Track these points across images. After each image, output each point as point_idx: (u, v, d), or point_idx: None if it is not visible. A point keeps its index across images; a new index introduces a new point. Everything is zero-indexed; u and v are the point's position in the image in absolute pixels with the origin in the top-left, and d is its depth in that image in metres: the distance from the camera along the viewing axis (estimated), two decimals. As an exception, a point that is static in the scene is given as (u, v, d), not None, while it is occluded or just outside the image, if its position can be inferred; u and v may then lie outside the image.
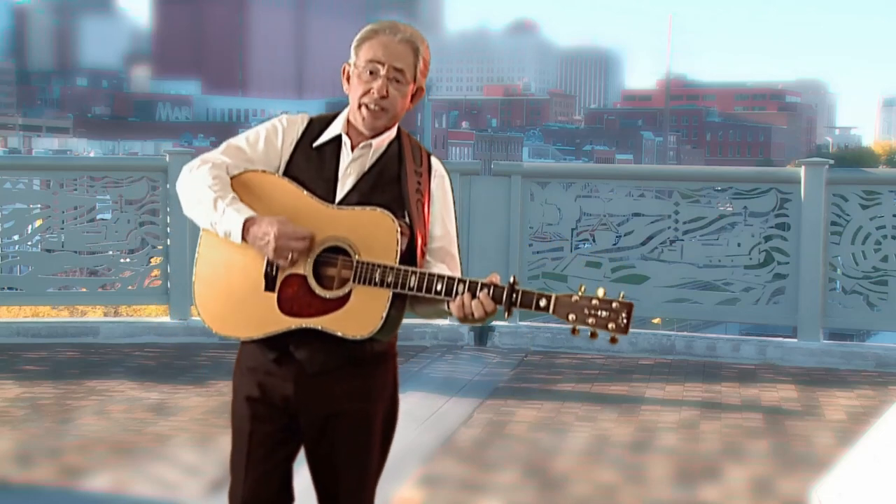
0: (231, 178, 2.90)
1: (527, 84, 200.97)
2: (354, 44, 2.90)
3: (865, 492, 5.00)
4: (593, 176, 9.28)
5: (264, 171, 2.91)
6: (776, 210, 8.32)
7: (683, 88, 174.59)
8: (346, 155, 2.92)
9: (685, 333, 9.05)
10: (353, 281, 2.79)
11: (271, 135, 2.96)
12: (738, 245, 8.43)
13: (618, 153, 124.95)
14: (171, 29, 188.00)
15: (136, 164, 10.17)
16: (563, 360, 8.08)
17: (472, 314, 2.77)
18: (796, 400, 6.96)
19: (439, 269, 2.91)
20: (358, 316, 2.79)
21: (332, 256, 2.82)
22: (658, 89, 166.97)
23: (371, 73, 2.86)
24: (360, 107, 2.88)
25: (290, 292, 2.82)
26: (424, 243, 2.92)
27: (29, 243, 9.08)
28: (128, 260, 8.83)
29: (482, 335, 8.47)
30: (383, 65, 2.85)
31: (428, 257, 2.95)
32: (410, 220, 2.87)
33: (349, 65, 2.91)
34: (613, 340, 2.75)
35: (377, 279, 2.78)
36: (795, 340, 8.19)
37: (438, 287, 2.78)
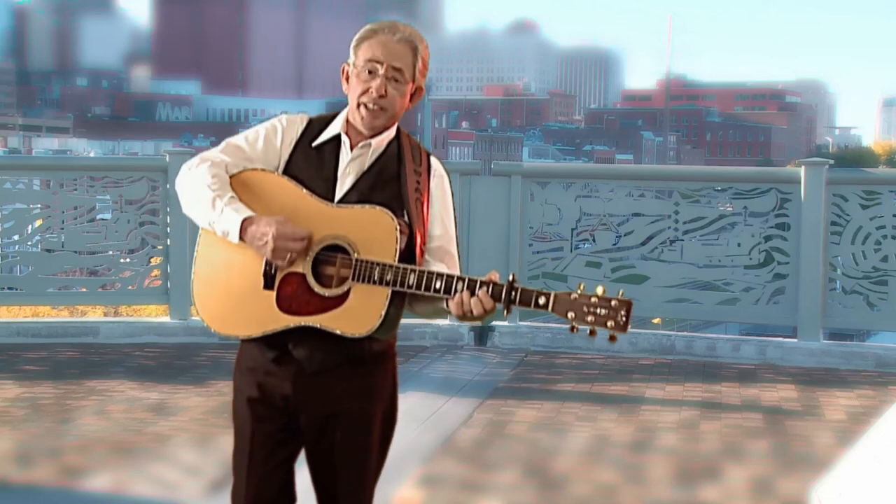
0: (230, 177, 2.90)
1: (527, 84, 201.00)
2: (353, 43, 2.90)
3: (865, 492, 5.00)
4: (593, 176, 9.28)
5: (263, 170, 2.91)
6: (776, 210, 8.32)
7: (683, 88, 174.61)
8: (345, 154, 2.92)
9: (685, 333, 9.05)
10: (352, 279, 2.79)
11: (270, 134, 2.96)
12: (738, 245, 8.43)
13: (618, 153, 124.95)
14: (171, 29, 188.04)
15: (136, 164, 10.16)
16: (563, 360, 8.08)
17: (471, 312, 2.77)
18: (796, 400, 6.96)
19: (438, 268, 2.91)
20: (357, 314, 2.79)
21: (330, 255, 2.82)
22: (658, 89, 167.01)
23: (370, 72, 2.86)
24: (358, 106, 2.89)
25: (289, 291, 2.82)
26: (423, 242, 2.92)
27: (29, 243, 9.08)
28: (128, 260, 8.83)
29: (482, 335, 8.47)
30: (382, 64, 2.85)
31: (427, 256, 2.95)
32: (409, 219, 2.87)
33: (348, 64, 2.92)
34: (612, 338, 2.75)
35: (376, 277, 2.78)
36: (795, 340, 8.19)
37: (437, 285, 2.78)
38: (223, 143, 2.98)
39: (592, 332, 2.75)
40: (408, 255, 2.85)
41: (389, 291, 2.79)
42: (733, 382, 7.40)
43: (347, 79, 2.92)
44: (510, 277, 2.79)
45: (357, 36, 2.91)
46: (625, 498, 5.06)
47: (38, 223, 8.92)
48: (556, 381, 7.39)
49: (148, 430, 5.99)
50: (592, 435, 6.02)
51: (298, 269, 2.82)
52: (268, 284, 2.84)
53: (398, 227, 2.81)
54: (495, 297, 2.77)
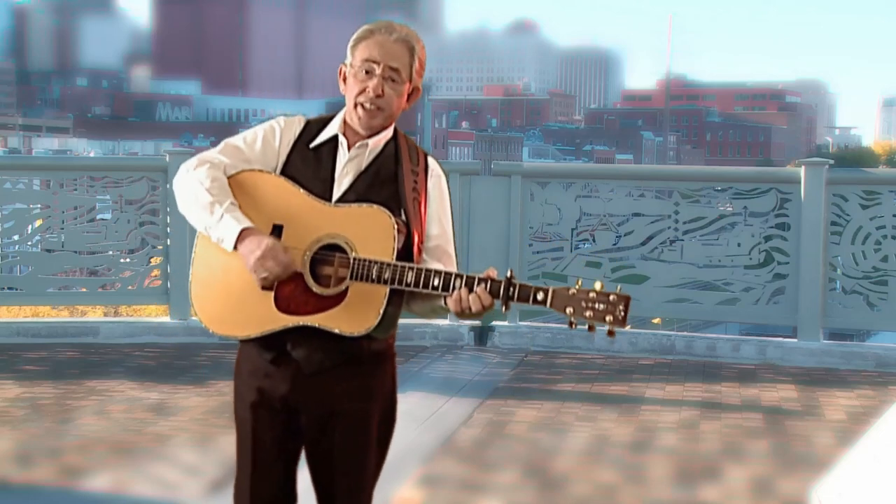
0: (228, 178, 2.90)
1: (527, 84, 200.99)
2: (351, 44, 2.90)
3: (865, 492, 5.00)
4: (593, 176, 9.28)
5: (261, 171, 2.91)
6: (776, 210, 8.32)
7: (683, 88, 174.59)
8: (342, 155, 2.92)
9: (685, 333, 9.05)
10: (350, 278, 2.79)
11: (269, 135, 2.96)
12: (738, 245, 8.43)
13: (618, 153, 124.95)
14: (171, 29, 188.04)
15: (136, 164, 10.17)
16: (563, 360, 8.08)
17: (470, 309, 2.77)
18: (796, 400, 6.96)
19: (436, 267, 2.91)
20: (355, 313, 2.79)
21: (328, 254, 2.82)
22: (658, 89, 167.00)
23: (367, 72, 2.86)
24: (355, 106, 2.88)
25: (287, 290, 2.82)
26: (421, 242, 2.92)
27: (29, 243, 9.08)
28: (128, 260, 8.83)
29: (482, 335, 8.47)
30: (379, 64, 2.85)
31: (424, 256, 2.95)
32: (407, 218, 2.87)
33: (345, 65, 2.92)
34: (611, 333, 2.74)
35: (374, 276, 2.77)
36: (795, 340, 8.18)
37: (435, 282, 2.78)
38: (222, 144, 2.98)
39: (591, 328, 2.74)
40: (405, 254, 2.85)
41: (387, 290, 2.79)
42: (733, 382, 7.39)
43: (345, 79, 2.92)
44: (508, 273, 2.78)
45: (354, 36, 2.91)
46: (625, 498, 5.06)
47: (38, 223, 8.92)
48: (556, 381, 7.39)
49: (148, 430, 5.99)
50: (592, 435, 6.02)
51: (297, 268, 2.82)
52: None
53: (396, 226, 2.80)
54: (493, 293, 2.77)
